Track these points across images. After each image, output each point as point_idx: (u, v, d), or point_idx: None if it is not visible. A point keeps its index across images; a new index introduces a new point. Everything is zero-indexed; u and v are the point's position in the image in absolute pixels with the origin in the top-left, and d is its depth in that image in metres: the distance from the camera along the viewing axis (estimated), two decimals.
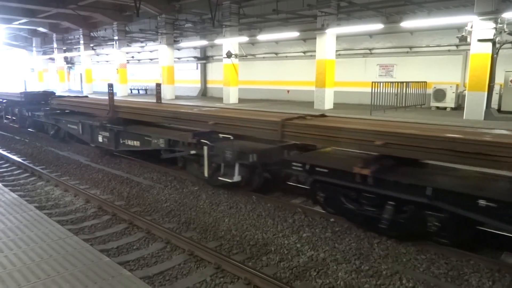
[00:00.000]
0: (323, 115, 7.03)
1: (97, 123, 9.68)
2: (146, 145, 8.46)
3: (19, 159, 9.73)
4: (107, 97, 9.89)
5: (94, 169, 9.06)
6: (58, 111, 12.22)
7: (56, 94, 16.03)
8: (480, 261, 4.46)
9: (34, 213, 3.99)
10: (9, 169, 9.12)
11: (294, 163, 5.77)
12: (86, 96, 14.41)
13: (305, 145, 6.64)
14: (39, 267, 2.86)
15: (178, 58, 26.56)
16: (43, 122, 12.74)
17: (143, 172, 8.72)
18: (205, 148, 6.93)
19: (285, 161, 6.08)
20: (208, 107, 9.25)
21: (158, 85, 11.80)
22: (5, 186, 6.32)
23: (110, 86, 9.93)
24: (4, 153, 10.56)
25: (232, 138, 6.93)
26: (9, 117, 15.72)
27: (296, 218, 5.88)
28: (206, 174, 7.03)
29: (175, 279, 4.18)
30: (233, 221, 5.82)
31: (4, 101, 16.70)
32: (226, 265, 4.29)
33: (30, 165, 9.14)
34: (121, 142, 9.24)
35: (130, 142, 8.98)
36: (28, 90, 22.33)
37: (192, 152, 7.27)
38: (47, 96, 15.10)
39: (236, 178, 6.56)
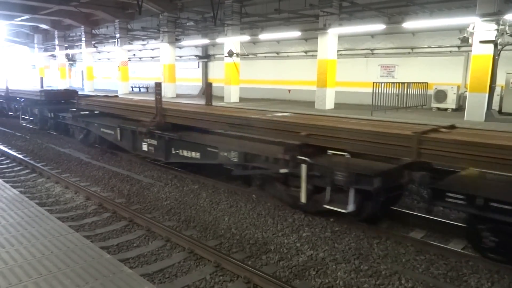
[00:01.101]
0: (453, 126, 5.62)
1: (143, 129, 8.37)
2: (210, 158, 7.10)
3: (20, 156, 9.74)
4: (138, 97, 9.50)
5: (95, 166, 9.08)
6: (87, 113, 11.10)
7: (78, 93, 15.08)
8: (479, 262, 4.47)
9: (35, 210, 4.00)
10: (10, 165, 9.14)
11: (450, 193, 4.46)
12: (116, 96, 13.00)
13: (429, 164, 5.29)
14: (40, 263, 2.88)
15: (180, 57, 26.55)
16: (69, 125, 11.57)
17: (144, 170, 8.73)
18: (303, 166, 5.56)
19: (433, 189, 4.70)
20: (281, 112, 7.93)
21: (209, 85, 10.03)
22: (6, 182, 6.33)
23: (158, 85, 8.51)
24: (5, 149, 10.57)
25: (347, 155, 5.28)
26: (27, 117, 14.68)
27: (296, 217, 5.89)
28: (303, 199, 5.68)
29: (175, 277, 4.19)
30: (233, 219, 5.83)
31: (22, 100, 15.62)
32: (225, 263, 4.31)
33: (31, 161, 9.16)
34: (174, 152, 7.94)
35: (186, 153, 7.66)
36: (46, 87, 21.92)
37: (282, 170, 5.84)
38: (70, 94, 14.29)
39: (351, 207, 5.22)
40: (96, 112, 10.92)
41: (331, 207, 5.38)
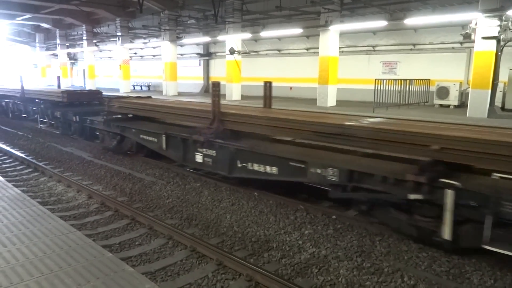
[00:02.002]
0: None
1: (199, 137, 7.14)
2: (293, 175, 5.91)
3: (22, 155, 9.76)
4: (175, 99, 9.20)
5: (97, 165, 9.09)
6: (119, 116, 9.86)
7: (103, 93, 14.29)
8: (482, 259, 4.45)
9: (37, 208, 4.00)
10: (12, 164, 9.16)
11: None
12: (150, 97, 11.31)
13: None
14: (42, 262, 2.88)
15: (181, 55, 26.53)
16: (99, 130, 10.34)
17: (146, 168, 8.73)
18: (450, 193, 4.32)
19: None
20: (372, 117, 6.82)
21: (269, 83, 8.22)
22: (8, 181, 6.35)
23: (216, 85, 7.17)
24: (8, 148, 10.60)
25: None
26: (46, 120, 13.75)
27: (298, 215, 5.88)
28: (447, 235, 4.44)
29: (177, 275, 4.19)
30: (235, 217, 5.83)
31: (41, 102, 14.55)
32: (228, 261, 4.31)
33: (33, 160, 9.18)
34: (240, 165, 6.69)
35: (257, 167, 6.42)
36: (64, 88, 20.87)
37: (413, 196, 4.56)
38: (94, 95, 13.49)
39: None
40: (129, 115, 9.83)
41: (498, 249, 4.10)
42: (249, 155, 6.51)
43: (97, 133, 10.74)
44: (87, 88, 16.05)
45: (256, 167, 6.45)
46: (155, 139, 8.38)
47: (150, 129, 8.58)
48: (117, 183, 7.64)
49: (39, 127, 14.07)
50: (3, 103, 17.55)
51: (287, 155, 5.98)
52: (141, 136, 8.79)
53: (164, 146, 8.11)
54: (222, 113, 7.06)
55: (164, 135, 8.09)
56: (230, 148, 6.75)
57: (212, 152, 7.15)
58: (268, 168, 6.27)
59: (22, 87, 15.55)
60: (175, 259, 4.51)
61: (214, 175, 7.79)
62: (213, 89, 7.14)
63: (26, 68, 38.81)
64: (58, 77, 19.67)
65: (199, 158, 7.45)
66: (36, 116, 14.75)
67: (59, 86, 19.13)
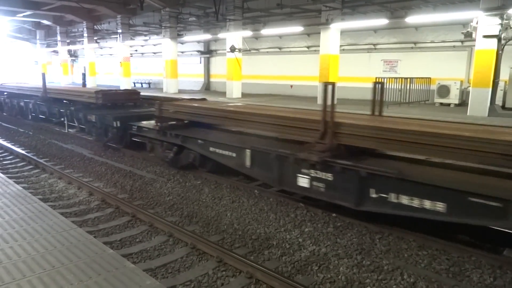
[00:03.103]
0: None
1: (310, 156, 5.48)
2: (478, 215, 4.24)
3: (23, 152, 9.78)
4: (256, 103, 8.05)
5: (98, 162, 9.10)
6: (175, 123, 8.43)
7: (140, 93, 12.77)
8: (481, 257, 4.46)
9: (38, 205, 4.02)
10: (13, 161, 9.18)
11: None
12: (204, 99, 9.86)
13: None
14: (44, 258, 2.89)
15: (182, 52, 26.50)
16: (149, 139, 8.77)
17: (146, 166, 8.75)
18: None
19: None
20: None
21: (380, 83, 6.89)
22: (10, 178, 6.36)
23: (330, 85, 5.59)
24: (8, 145, 10.61)
25: None
26: (75, 124, 12.29)
27: (298, 213, 5.90)
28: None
29: (178, 272, 4.21)
30: (235, 215, 5.84)
31: (69, 103, 13.21)
32: (228, 258, 4.32)
33: (34, 157, 9.19)
34: (375, 196, 5.06)
35: (407, 201, 4.77)
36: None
37: None
38: (131, 96, 12.10)
39: None
40: (185, 121, 8.45)
41: None
42: (394, 183, 4.81)
43: (142, 141, 9.23)
44: (123, 89, 13.90)
45: (405, 200, 4.78)
46: (234, 154, 6.79)
47: (226, 141, 6.99)
48: (117, 180, 7.66)
49: (66, 131, 12.66)
50: (22, 104, 15.73)
51: (467, 187, 4.27)
52: (212, 149, 7.19)
53: (247, 163, 6.53)
54: (337, 124, 5.49)
55: (249, 150, 6.47)
56: (360, 173, 5.05)
57: (328, 176, 5.45)
58: (427, 203, 4.57)
59: (44, 85, 14.05)
60: (175, 256, 4.53)
61: (214, 173, 7.79)
62: (325, 93, 5.51)
63: (27, 64, 38.82)
64: (83, 74, 16.62)
65: (304, 182, 5.78)
66: (62, 119, 12.99)
67: (84, 85, 16.90)
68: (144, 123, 9.17)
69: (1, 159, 9.39)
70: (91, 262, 2.85)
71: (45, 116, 14.39)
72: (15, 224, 3.51)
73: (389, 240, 4.98)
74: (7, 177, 5.28)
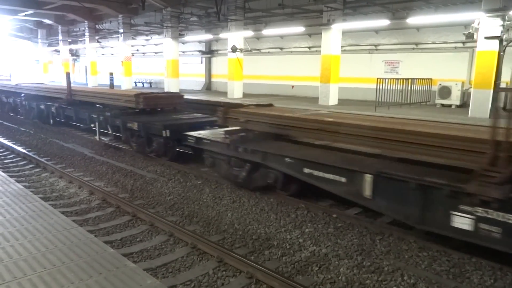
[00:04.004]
0: None
1: (484, 191, 4.07)
2: None
3: (24, 150, 9.79)
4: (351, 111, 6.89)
5: (98, 161, 9.11)
6: (245, 135, 7.09)
7: (184, 97, 11.38)
8: (482, 259, 4.46)
9: (39, 204, 4.02)
10: (14, 160, 9.19)
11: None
12: (271, 105, 8.20)
13: None
14: (44, 257, 2.90)
15: (183, 52, 26.51)
16: (211, 153, 7.31)
17: (147, 165, 8.75)
18: None
19: None
20: None
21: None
22: (11, 177, 6.37)
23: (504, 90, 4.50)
24: (10, 144, 10.63)
25: None
26: (109, 132, 10.82)
27: (298, 213, 5.90)
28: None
29: (178, 271, 4.21)
30: (236, 215, 5.85)
31: (99, 106, 12.01)
32: (228, 258, 4.33)
33: (35, 156, 9.20)
34: None
35: None
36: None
37: None
38: (173, 99, 10.71)
39: None
40: (254, 131, 7.12)
41: None
42: None
43: (189, 152, 8.37)
44: (163, 91, 11.51)
45: None
46: (343, 179, 5.43)
47: (329, 161, 5.60)
48: (118, 180, 7.66)
49: (98, 139, 11.14)
50: (42, 107, 14.07)
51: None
52: (307, 170, 5.78)
53: (367, 192, 5.15)
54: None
55: (370, 176, 5.08)
56: None
57: (508, 218, 4.10)
58: None
59: (69, 87, 12.69)
60: (176, 256, 4.53)
61: (215, 173, 7.76)
62: (505, 98, 4.25)
63: (28, 63, 38.88)
64: (111, 75, 14.41)
65: (463, 223, 4.39)
66: (92, 125, 11.52)
67: (112, 86, 14.90)
68: (204, 133, 7.72)
69: (2, 157, 9.40)
70: (91, 261, 2.85)
71: (71, 121, 13.11)
72: (16, 222, 3.52)
73: (390, 241, 4.98)
74: (8, 175, 5.29)
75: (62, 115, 12.99)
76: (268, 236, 5.10)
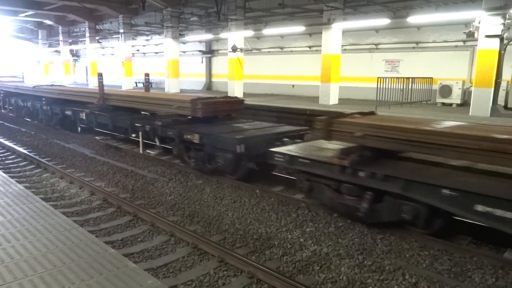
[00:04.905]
0: None
1: None
2: None
3: (25, 151, 9.80)
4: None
5: (99, 161, 9.11)
6: (363, 155, 5.37)
7: (244, 102, 9.70)
8: (483, 257, 4.45)
9: (40, 205, 4.03)
10: (15, 160, 9.20)
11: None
12: (373, 112, 6.48)
13: None
14: (45, 257, 2.90)
15: (183, 52, 26.53)
16: (310, 175, 5.84)
17: (148, 165, 8.75)
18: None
19: None
20: None
21: None
22: (12, 177, 6.37)
23: None
24: (11, 144, 10.64)
25: None
26: (156, 143, 9.17)
27: (299, 212, 5.89)
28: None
29: (179, 271, 4.21)
30: (236, 215, 5.84)
31: (139, 113, 10.66)
32: (229, 258, 4.32)
33: (36, 157, 9.21)
34: None
35: None
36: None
37: None
38: (233, 105, 9.27)
39: None
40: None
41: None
42: None
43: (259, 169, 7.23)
44: (221, 96, 10.10)
45: None
46: None
47: None
48: (119, 180, 7.66)
49: (141, 152, 9.69)
50: (68, 112, 12.47)
51: None
52: (483, 208, 4.16)
53: None
54: None
55: None
56: None
57: None
58: None
59: (102, 90, 11.18)
60: (177, 256, 4.53)
61: (216, 172, 7.70)
62: None
63: (29, 64, 38.94)
64: (147, 76, 12.67)
65: None
66: (134, 135, 10.00)
67: (147, 89, 12.79)
68: (296, 150, 6.19)
69: (3, 158, 9.41)
70: (92, 261, 2.85)
71: (105, 129, 11.53)
72: (17, 223, 3.52)
73: (391, 240, 4.97)
74: (9, 176, 5.29)
75: (94, 122, 11.17)
76: (269, 236, 5.10)
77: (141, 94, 11.42)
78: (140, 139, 9.67)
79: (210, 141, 7.48)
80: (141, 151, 9.69)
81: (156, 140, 9.10)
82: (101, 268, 2.76)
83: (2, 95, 18.39)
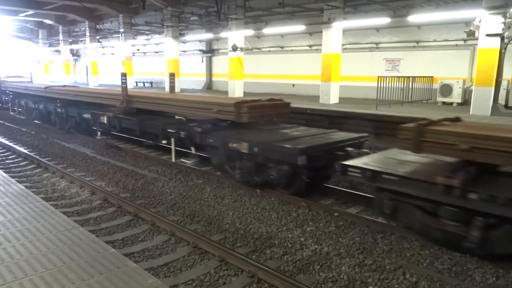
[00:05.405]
0: None
1: None
2: None
3: (25, 151, 9.80)
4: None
5: (100, 161, 9.11)
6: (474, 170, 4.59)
7: (290, 105, 8.65)
8: (484, 257, 4.44)
9: (40, 204, 4.02)
10: (15, 160, 9.20)
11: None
12: (458, 119, 5.45)
13: None
14: (45, 257, 2.90)
15: (184, 51, 26.52)
16: (396, 195, 5.02)
17: (148, 165, 8.75)
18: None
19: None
20: None
21: None
22: (12, 177, 6.38)
23: None
24: (11, 144, 10.64)
25: None
26: (192, 151, 8.30)
27: (300, 212, 5.89)
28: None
29: (180, 271, 4.21)
30: (237, 214, 5.84)
31: (181, 119, 9.53)
32: (230, 258, 4.32)
33: (36, 156, 9.21)
34: None
35: None
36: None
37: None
38: (279, 109, 8.31)
39: None
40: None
41: None
42: None
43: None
44: (265, 98, 8.24)
45: None
46: None
47: None
48: (119, 179, 7.67)
49: (173, 161, 8.82)
50: (86, 116, 11.50)
51: None
52: None
53: None
54: None
55: None
56: None
57: None
58: None
59: (126, 91, 10.14)
60: (177, 255, 4.53)
61: (217, 172, 7.70)
62: None
63: (30, 64, 38.94)
64: (172, 76, 11.27)
65: None
66: (165, 142, 9.05)
67: (172, 89, 11.43)
68: (377, 163, 5.33)
69: (4, 158, 9.41)
70: (93, 261, 2.85)
71: (130, 135, 10.77)
72: (17, 223, 3.52)
73: (391, 239, 4.97)
74: (10, 176, 5.29)
75: (117, 127, 10.29)
76: (270, 235, 5.10)
77: (172, 96, 10.33)
78: (172, 147, 8.83)
79: (262, 151, 6.52)
80: (173, 160, 8.88)
81: (192, 148, 8.29)
82: (101, 267, 2.76)
83: (11, 96, 17.40)
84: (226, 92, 19.44)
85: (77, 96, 12.51)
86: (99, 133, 11.48)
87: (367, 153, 6.26)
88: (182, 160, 8.79)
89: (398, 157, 5.63)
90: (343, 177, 5.57)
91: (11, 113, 17.26)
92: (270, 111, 8.15)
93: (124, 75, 10.58)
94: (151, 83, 30.14)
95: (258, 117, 7.81)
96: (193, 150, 8.29)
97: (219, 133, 7.50)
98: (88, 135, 12.03)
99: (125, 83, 10.42)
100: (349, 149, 6.48)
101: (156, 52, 29.43)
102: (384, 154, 5.93)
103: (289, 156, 6.13)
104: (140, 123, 9.55)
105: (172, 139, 8.64)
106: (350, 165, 5.39)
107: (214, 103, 8.11)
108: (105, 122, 10.63)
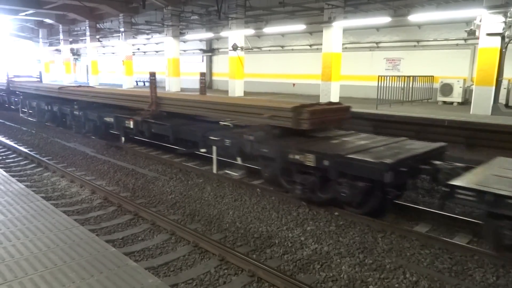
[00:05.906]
0: None
1: None
2: None
3: (26, 150, 9.80)
4: None
5: (100, 160, 9.11)
6: None
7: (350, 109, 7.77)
8: (484, 256, 4.45)
9: (40, 203, 4.02)
10: (16, 159, 9.20)
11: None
12: None
13: None
14: (46, 256, 2.90)
15: (184, 51, 26.50)
16: None
17: (148, 164, 8.75)
18: None
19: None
20: None
21: None
22: (12, 176, 6.37)
23: None
24: (11, 143, 10.64)
25: None
26: (238, 162, 7.48)
27: (300, 211, 5.89)
28: None
29: (180, 270, 4.21)
30: (237, 213, 5.84)
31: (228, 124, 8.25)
32: (230, 257, 4.32)
33: (37, 156, 9.21)
34: None
35: None
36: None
37: None
38: (339, 114, 7.40)
39: None
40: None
41: None
42: None
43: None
44: (325, 102, 7.96)
45: None
46: None
47: None
48: (120, 179, 7.67)
49: (214, 172, 7.93)
50: (109, 119, 10.51)
51: None
52: None
53: None
54: None
55: None
56: None
57: None
58: None
59: (155, 93, 9.46)
60: (177, 255, 4.53)
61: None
62: None
63: (30, 63, 38.94)
64: (203, 76, 10.91)
65: None
66: (204, 150, 8.15)
67: (203, 91, 10.85)
68: (491, 184, 4.35)
69: (4, 157, 9.41)
70: (93, 260, 2.85)
71: (161, 141, 10.05)
72: (18, 222, 3.52)
73: (392, 238, 4.97)
74: (10, 175, 5.29)
75: (146, 132, 9.32)
76: (270, 235, 5.10)
77: (211, 99, 8.95)
78: (214, 156, 7.82)
79: (335, 164, 5.52)
80: (214, 171, 7.89)
81: (238, 158, 7.40)
82: (101, 266, 2.76)
83: (21, 97, 16.11)
84: (227, 92, 19.44)
85: (95, 97, 11.57)
86: (123, 138, 10.58)
87: (460, 167, 5.33)
88: (226, 171, 7.84)
89: (503, 173, 4.72)
90: (447, 200, 4.63)
91: (21, 115, 16.26)
92: (331, 116, 7.19)
93: (153, 74, 9.46)
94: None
95: (319, 124, 6.83)
96: (239, 161, 7.42)
97: (277, 143, 6.48)
98: (110, 141, 10.94)
99: (154, 83, 9.29)
100: (437, 162, 5.64)
101: (157, 52, 29.42)
102: (489, 171, 4.90)
103: (373, 172, 5.16)
104: (175, 129, 8.55)
105: (214, 148, 7.69)
106: (463, 186, 4.33)
107: (266, 106, 7.18)
108: (131, 126, 9.60)
